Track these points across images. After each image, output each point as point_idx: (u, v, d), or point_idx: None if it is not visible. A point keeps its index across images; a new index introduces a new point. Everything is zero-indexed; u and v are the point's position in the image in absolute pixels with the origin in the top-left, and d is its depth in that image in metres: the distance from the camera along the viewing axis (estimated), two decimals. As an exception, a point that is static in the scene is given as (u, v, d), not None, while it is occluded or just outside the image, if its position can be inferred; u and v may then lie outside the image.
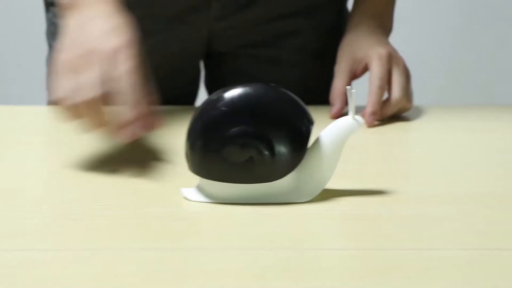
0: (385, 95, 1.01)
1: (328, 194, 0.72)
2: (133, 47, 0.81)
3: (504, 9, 2.29)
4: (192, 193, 0.72)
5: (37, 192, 0.77)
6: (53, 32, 1.12)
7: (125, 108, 0.77)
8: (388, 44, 1.04)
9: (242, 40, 1.11)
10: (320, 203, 0.71)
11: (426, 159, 0.87)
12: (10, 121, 1.04)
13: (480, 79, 2.34)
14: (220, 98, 0.71)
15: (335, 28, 1.14)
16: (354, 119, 0.70)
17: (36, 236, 0.65)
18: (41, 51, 1.22)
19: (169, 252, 0.62)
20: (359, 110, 0.98)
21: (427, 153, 0.90)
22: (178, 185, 0.74)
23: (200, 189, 0.72)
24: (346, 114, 0.72)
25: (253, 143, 0.69)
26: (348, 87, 0.70)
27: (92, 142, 0.87)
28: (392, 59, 1.00)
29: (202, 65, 1.17)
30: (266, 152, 0.69)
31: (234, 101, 0.70)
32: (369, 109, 0.97)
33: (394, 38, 1.09)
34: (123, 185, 0.77)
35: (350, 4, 1.15)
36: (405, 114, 1.03)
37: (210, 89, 1.19)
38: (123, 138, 0.79)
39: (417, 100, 1.05)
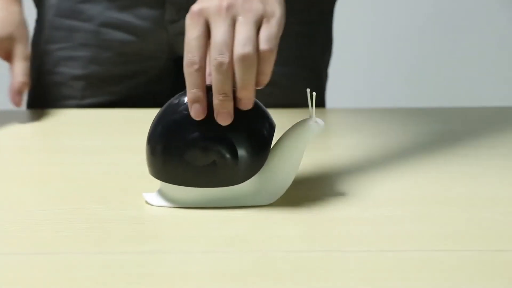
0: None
1: (289, 197, 0.72)
2: None
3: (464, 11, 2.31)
4: (154, 198, 0.72)
5: None
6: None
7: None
8: None
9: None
10: (281, 206, 0.71)
11: (384, 163, 0.87)
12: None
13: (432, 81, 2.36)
14: (181, 101, 0.71)
15: (294, 38, 1.14)
16: (315, 121, 0.71)
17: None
18: None
19: (131, 256, 0.62)
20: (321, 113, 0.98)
21: (385, 157, 0.90)
22: (141, 188, 0.74)
23: (161, 193, 0.72)
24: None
25: (216, 147, 0.69)
26: (308, 89, 0.71)
27: (58, 145, 0.87)
28: (203, 13, 0.71)
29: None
30: (228, 156, 0.69)
31: None
32: (187, 97, 0.70)
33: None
34: (85, 189, 0.77)
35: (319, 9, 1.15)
36: (370, 119, 1.03)
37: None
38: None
39: (378, 103, 1.05)
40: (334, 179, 0.80)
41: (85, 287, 0.57)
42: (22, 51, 1.06)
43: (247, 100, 0.69)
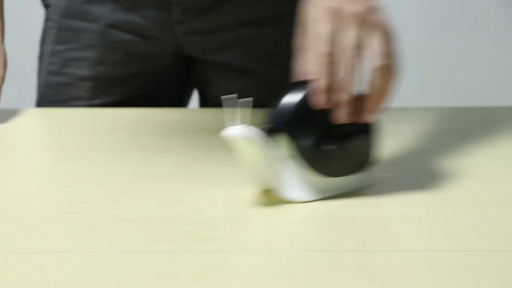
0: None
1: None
2: None
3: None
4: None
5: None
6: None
7: None
8: None
9: (204, 44, 1.12)
10: (290, 206, 0.72)
11: (390, 162, 0.88)
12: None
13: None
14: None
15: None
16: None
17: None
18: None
19: (142, 255, 0.62)
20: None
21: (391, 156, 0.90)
22: (151, 188, 0.74)
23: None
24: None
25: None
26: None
27: (67, 144, 0.87)
28: (336, 14, 0.75)
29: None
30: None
31: None
32: (311, 86, 0.75)
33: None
34: (95, 188, 0.78)
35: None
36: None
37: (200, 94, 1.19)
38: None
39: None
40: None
41: (96, 286, 0.58)
42: None
43: (376, 110, 0.74)
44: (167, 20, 1.09)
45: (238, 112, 0.70)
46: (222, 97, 0.70)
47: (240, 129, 0.70)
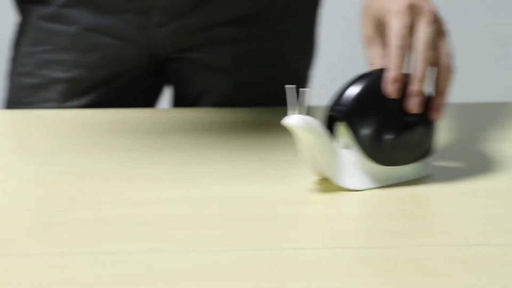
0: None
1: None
2: None
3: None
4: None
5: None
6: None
7: None
8: None
9: (182, 45, 1.12)
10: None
11: None
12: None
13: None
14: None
15: (276, 37, 1.14)
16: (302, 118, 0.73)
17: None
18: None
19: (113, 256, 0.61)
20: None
21: None
22: (125, 187, 0.74)
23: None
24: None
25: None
26: (287, 86, 0.73)
27: (35, 146, 0.86)
28: (415, 9, 0.82)
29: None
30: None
31: None
32: (388, 75, 0.80)
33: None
34: (60, 189, 0.77)
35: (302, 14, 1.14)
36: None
37: (173, 97, 1.20)
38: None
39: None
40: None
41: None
42: None
43: (443, 108, 0.81)
44: (145, 24, 1.10)
45: (297, 102, 0.73)
46: (286, 86, 0.73)
47: (297, 118, 0.73)
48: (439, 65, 0.81)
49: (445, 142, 0.91)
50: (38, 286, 0.56)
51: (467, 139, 0.94)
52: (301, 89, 0.72)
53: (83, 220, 0.68)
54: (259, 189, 0.76)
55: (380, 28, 0.84)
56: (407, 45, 0.80)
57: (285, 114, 0.74)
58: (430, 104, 0.80)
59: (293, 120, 0.73)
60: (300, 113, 0.73)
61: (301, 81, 1.19)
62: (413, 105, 0.79)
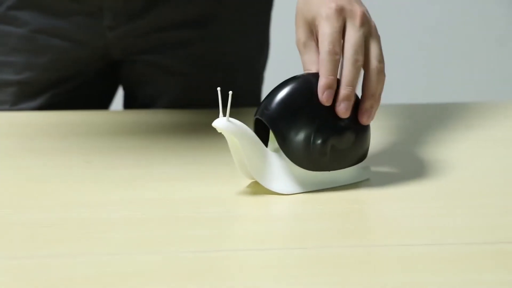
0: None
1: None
2: None
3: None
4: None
5: None
6: None
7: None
8: None
9: (134, 47, 1.11)
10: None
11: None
12: None
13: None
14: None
15: (230, 39, 1.15)
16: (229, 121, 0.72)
17: None
18: None
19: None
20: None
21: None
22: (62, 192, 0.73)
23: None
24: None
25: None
26: (218, 88, 0.73)
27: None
28: (344, 13, 0.80)
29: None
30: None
31: None
32: (320, 82, 0.77)
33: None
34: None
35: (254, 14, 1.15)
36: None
37: (125, 98, 1.20)
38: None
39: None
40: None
41: None
42: None
43: (371, 110, 0.78)
44: (98, 26, 1.09)
45: (221, 105, 0.72)
46: (218, 88, 0.73)
47: (223, 121, 0.72)
48: (368, 68, 0.78)
49: (387, 145, 0.91)
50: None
51: (406, 141, 0.94)
52: (228, 93, 0.71)
53: (31, 223, 0.68)
54: (192, 190, 0.76)
55: (313, 33, 0.82)
56: (337, 51, 0.78)
57: (237, 116, 0.74)
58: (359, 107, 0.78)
59: (218, 123, 0.72)
60: (224, 116, 0.72)
61: (255, 81, 1.20)
62: (342, 110, 0.76)
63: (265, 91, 1.22)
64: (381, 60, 0.79)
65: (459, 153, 0.89)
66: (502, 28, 2.34)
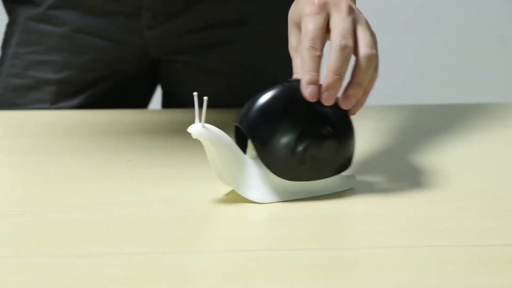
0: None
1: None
2: None
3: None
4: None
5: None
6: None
7: None
8: None
9: (172, 46, 1.11)
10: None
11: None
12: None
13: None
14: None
15: (268, 38, 1.14)
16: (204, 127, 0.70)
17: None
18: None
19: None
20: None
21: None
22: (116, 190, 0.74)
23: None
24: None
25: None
26: (195, 93, 0.70)
27: (24, 147, 0.86)
28: (328, 7, 0.75)
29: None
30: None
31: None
32: (302, 80, 0.73)
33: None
34: (47, 192, 0.77)
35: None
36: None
37: (163, 98, 1.20)
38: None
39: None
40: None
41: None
42: None
43: (354, 99, 0.73)
44: (137, 25, 1.10)
45: (197, 110, 0.70)
46: (195, 93, 0.70)
47: (197, 127, 0.69)
48: (357, 54, 0.73)
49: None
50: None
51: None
52: (204, 98, 0.68)
53: (71, 221, 0.68)
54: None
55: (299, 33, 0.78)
56: (318, 47, 0.73)
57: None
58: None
59: (193, 128, 0.69)
60: (201, 122, 0.69)
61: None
62: (325, 99, 0.71)
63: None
64: (372, 46, 0.74)
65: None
66: (504, 27, 2.33)
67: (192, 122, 0.69)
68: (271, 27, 1.14)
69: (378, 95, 1.01)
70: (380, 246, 0.63)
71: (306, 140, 0.71)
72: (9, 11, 1.14)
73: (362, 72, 0.73)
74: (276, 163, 0.71)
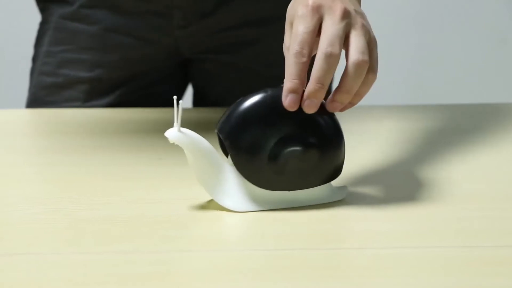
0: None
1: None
2: None
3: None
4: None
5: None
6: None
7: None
8: None
9: (203, 45, 1.12)
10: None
11: (384, 161, 0.87)
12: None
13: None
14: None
15: None
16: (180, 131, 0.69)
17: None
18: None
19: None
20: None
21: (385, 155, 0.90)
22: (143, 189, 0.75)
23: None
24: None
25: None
26: (175, 97, 0.70)
27: (57, 145, 0.87)
28: (321, 10, 0.71)
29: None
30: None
31: None
32: (284, 87, 0.70)
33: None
34: (79, 189, 0.77)
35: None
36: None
37: (194, 96, 1.20)
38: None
39: (375, 101, 1.02)
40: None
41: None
42: None
43: (340, 105, 0.70)
44: (168, 25, 1.10)
45: (176, 114, 0.69)
46: (174, 97, 0.69)
47: (173, 131, 0.68)
48: (346, 61, 0.70)
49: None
50: (66, 285, 0.57)
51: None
52: (180, 101, 0.67)
53: (101, 219, 0.68)
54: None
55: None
56: (305, 53, 0.69)
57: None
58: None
59: (169, 133, 0.68)
60: (178, 126, 0.68)
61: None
62: (306, 107, 0.68)
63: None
64: (364, 52, 0.69)
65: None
66: (504, 27, 2.31)
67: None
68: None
69: (378, 95, 1.01)
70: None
71: (284, 149, 0.68)
72: (42, 10, 1.15)
73: (350, 79, 0.69)
74: (252, 172, 0.69)
